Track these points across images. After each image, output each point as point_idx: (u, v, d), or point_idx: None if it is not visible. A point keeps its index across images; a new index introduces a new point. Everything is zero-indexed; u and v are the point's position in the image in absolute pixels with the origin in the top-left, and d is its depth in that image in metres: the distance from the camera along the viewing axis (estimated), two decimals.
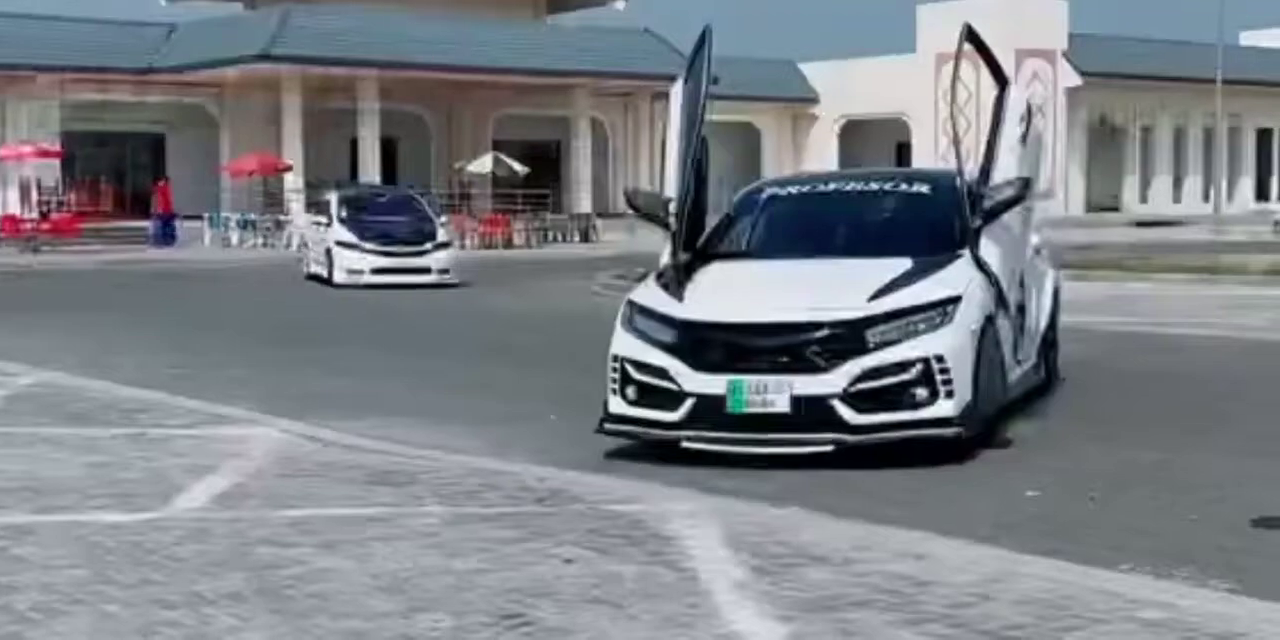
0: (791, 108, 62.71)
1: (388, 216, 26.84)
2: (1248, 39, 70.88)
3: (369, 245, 25.63)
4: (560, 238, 44.33)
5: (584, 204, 50.25)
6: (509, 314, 19.95)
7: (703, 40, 9.45)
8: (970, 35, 9.52)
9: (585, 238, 44.52)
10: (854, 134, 62.38)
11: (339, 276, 25.42)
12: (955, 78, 9.66)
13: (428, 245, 25.85)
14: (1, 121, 44.98)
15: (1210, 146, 60.51)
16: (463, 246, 39.95)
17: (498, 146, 49.09)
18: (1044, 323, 10.74)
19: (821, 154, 61.49)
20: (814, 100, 62.79)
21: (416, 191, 29.04)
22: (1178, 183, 65.53)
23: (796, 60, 63.36)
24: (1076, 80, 59.63)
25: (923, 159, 57.21)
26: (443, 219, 27.76)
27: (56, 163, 43.12)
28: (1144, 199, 64.36)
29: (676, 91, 9.56)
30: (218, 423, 9.42)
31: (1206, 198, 60.30)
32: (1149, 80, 61.16)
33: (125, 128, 48.03)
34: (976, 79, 10.75)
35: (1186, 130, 64.94)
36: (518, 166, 45.27)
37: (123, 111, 46.98)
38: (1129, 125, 64.09)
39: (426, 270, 25.40)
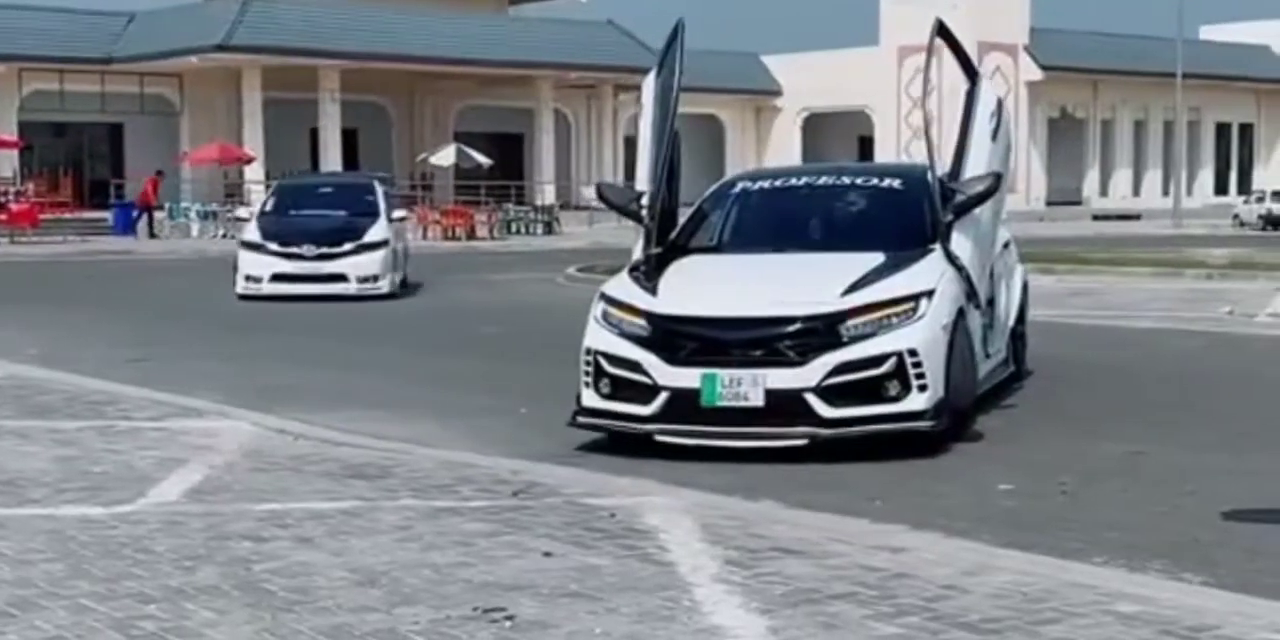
0: (754, 100, 62.84)
1: (320, 211, 21.81)
2: (1207, 33, 71.41)
3: (273, 246, 20.57)
4: (523, 230, 44.28)
5: (547, 196, 50.20)
6: (474, 306, 19.89)
7: (675, 34, 9.46)
8: (941, 30, 9.55)
9: (548, 230, 44.49)
10: (816, 127, 62.55)
11: (238, 285, 20.61)
12: (926, 72, 9.68)
13: (346, 246, 20.54)
14: None
15: (1170, 140, 60.94)
16: (425, 237, 40.01)
17: (460, 138, 49.00)
18: (1013, 316, 10.80)
19: (784, 146, 61.62)
20: (777, 93, 62.92)
21: (381, 181, 24.04)
22: (1138, 176, 66.00)
23: (759, 53, 63.44)
24: (1038, 74, 59.95)
25: (885, 152, 57.47)
26: (399, 213, 23.19)
27: (14, 153, 42.74)
28: (1104, 192, 64.80)
29: (648, 85, 9.55)
30: (185, 415, 9.36)
31: (1166, 191, 60.72)
32: (1109, 75, 61.61)
33: (84, 118, 47.66)
34: (939, 73, 10.78)
35: (1147, 124, 65.42)
36: (481, 158, 45.18)
37: (81, 101, 46.60)
38: (1089, 119, 64.48)
39: (341, 278, 20.41)
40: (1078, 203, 62.58)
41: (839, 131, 61.01)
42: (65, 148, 47.68)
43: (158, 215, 41.85)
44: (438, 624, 4.81)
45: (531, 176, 52.66)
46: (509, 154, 52.56)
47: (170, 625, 4.77)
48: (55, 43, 44.75)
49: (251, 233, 21.19)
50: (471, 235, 40.56)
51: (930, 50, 9.55)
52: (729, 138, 62.11)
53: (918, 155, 54.26)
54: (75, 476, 7.30)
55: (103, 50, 46.10)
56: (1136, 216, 59.52)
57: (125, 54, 46.09)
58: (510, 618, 4.94)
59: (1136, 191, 65.52)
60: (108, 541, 5.90)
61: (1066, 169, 63.20)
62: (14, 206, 36.94)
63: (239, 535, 6.01)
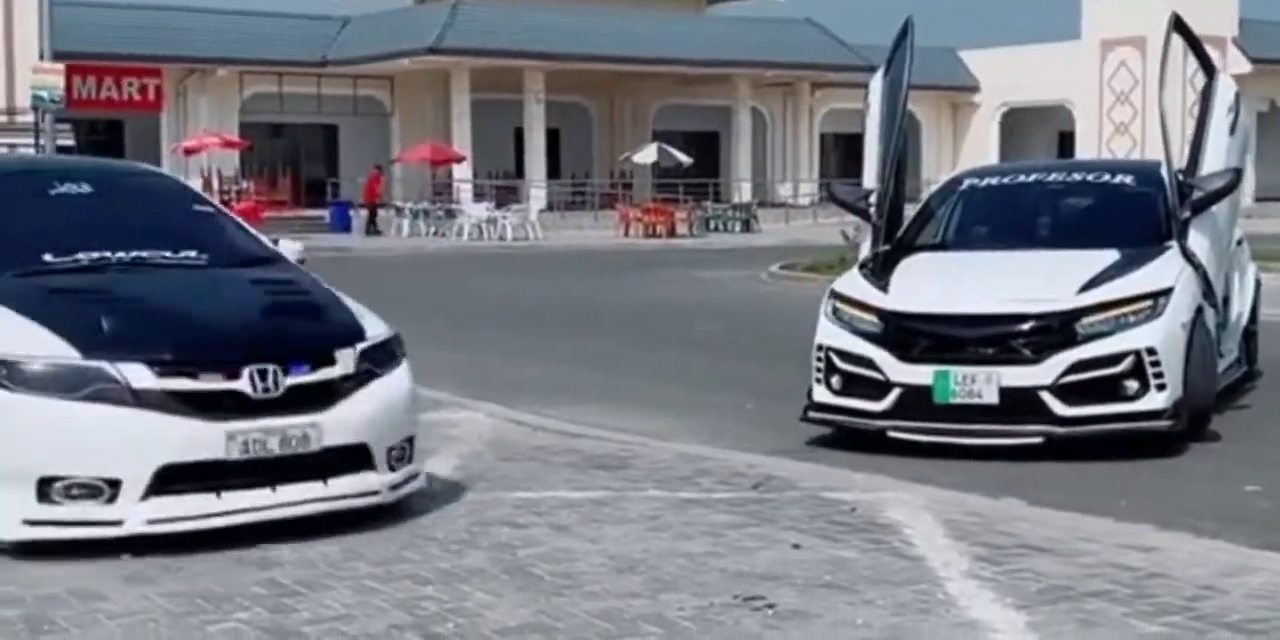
0: (951, 96, 61.98)
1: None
2: None
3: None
4: (721, 227, 44.41)
5: (744, 193, 50.28)
6: (683, 303, 20.06)
7: (904, 32, 9.47)
8: (1178, 25, 9.41)
9: (746, 227, 44.54)
10: (1015, 122, 61.51)
11: None
12: (1164, 67, 9.54)
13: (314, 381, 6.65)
14: (184, 113, 46.29)
15: None
16: (626, 235, 40.40)
17: (658, 136, 49.30)
18: (1245, 315, 10.59)
19: (981, 143, 60.73)
20: (974, 88, 62.05)
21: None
22: None
23: (958, 48, 62.66)
24: (1246, 67, 58.16)
25: (1086, 147, 56.27)
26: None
27: (235, 153, 44.20)
28: None
29: (876, 84, 9.59)
30: (429, 407, 9.65)
31: None
32: None
33: (300, 119, 49.10)
34: (1142, 67, 10.59)
35: None
36: (682, 157, 45.44)
37: (298, 103, 48.05)
38: None
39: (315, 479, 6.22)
40: None
41: (1038, 127, 59.94)
42: (282, 148, 49.20)
43: (380, 213, 42.74)
44: (703, 611, 4.95)
45: (728, 174, 52.76)
46: (706, 152, 52.71)
47: (451, 606, 4.99)
48: (274, 47, 46.18)
49: None
50: (672, 233, 40.83)
51: (1167, 44, 9.41)
52: (925, 134, 61.40)
53: (1119, 151, 53.32)
54: None
55: (318, 54, 47.46)
56: None
57: (340, 57, 47.39)
58: (771, 606, 5.05)
59: None
60: (379, 524, 6.13)
61: (1274, 164, 61.23)
62: (238, 205, 38.16)
63: (499, 521, 6.23)
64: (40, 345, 5.65)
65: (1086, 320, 8.09)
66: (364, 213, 42.57)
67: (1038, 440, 7.98)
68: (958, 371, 8.07)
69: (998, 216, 9.95)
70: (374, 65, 46.56)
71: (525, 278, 25.22)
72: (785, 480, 7.15)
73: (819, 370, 8.57)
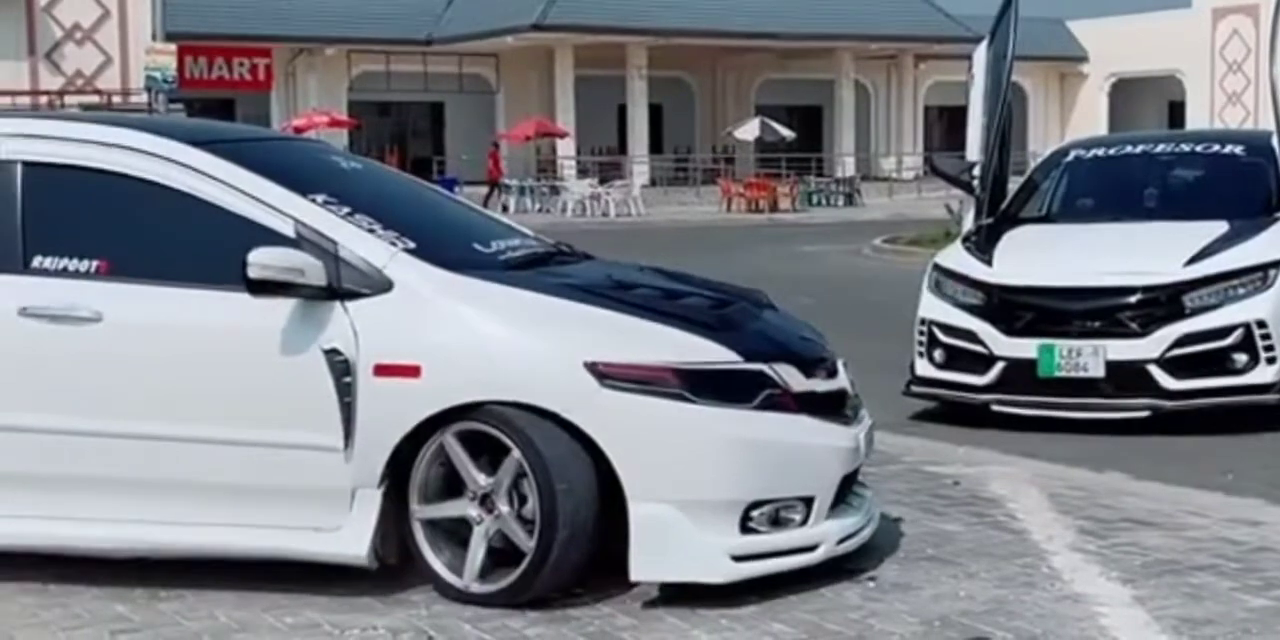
0: (1059, 66, 61.17)
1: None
2: None
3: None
4: (824, 201, 44.21)
5: (847, 168, 49.99)
6: (786, 276, 19.95)
7: (1007, 3, 9.40)
8: None
9: (849, 201, 44.29)
10: (1124, 93, 60.57)
11: None
12: (1275, 35, 9.36)
13: None
14: (293, 92, 46.94)
15: None
16: (729, 210, 40.35)
17: (760, 111, 49.14)
18: None
19: (1089, 113, 59.87)
20: (1083, 59, 61.19)
21: None
22: None
23: (1066, 19, 61.81)
24: None
25: (1197, 118, 55.30)
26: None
27: (344, 132, 44.74)
28: None
29: (979, 55, 9.53)
30: None
31: None
32: None
33: (407, 97, 49.54)
34: (1255, 36, 10.39)
35: None
36: (785, 131, 45.25)
37: (404, 81, 48.46)
38: None
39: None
40: None
41: (1147, 97, 58.98)
42: (390, 126, 49.73)
43: (476, 190, 42.95)
44: (803, 582, 4.94)
45: (831, 148, 52.46)
46: (808, 126, 52.43)
47: None
48: (381, 26, 46.61)
49: None
50: (774, 208, 40.70)
51: (1277, 12, 9.24)
52: (1032, 105, 60.63)
53: (1231, 121, 52.25)
54: None
55: (424, 32, 47.84)
56: None
57: (445, 35, 47.72)
58: (873, 579, 5.08)
59: None
60: None
61: None
62: None
63: None
64: (698, 350, 4.83)
65: (1195, 293, 8.01)
66: (484, 190, 42.79)
67: (1144, 414, 7.91)
68: (1063, 345, 8.02)
69: (1104, 188, 9.83)
70: (479, 43, 46.80)
71: (629, 253, 25.03)
72: (887, 454, 7.13)
73: (921, 344, 8.56)
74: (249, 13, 44.49)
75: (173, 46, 30.47)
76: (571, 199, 40.00)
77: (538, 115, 45.94)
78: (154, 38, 30.67)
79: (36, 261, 5.02)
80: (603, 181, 41.71)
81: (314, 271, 4.74)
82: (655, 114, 49.35)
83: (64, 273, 4.99)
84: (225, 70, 45.37)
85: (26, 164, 5.14)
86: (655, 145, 49.30)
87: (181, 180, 5.00)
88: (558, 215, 39.38)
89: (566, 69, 46.84)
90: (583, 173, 44.79)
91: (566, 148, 46.06)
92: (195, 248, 5.01)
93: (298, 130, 42.19)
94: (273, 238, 4.84)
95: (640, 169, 46.47)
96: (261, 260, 4.67)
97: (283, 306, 4.77)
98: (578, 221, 37.20)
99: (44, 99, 29.79)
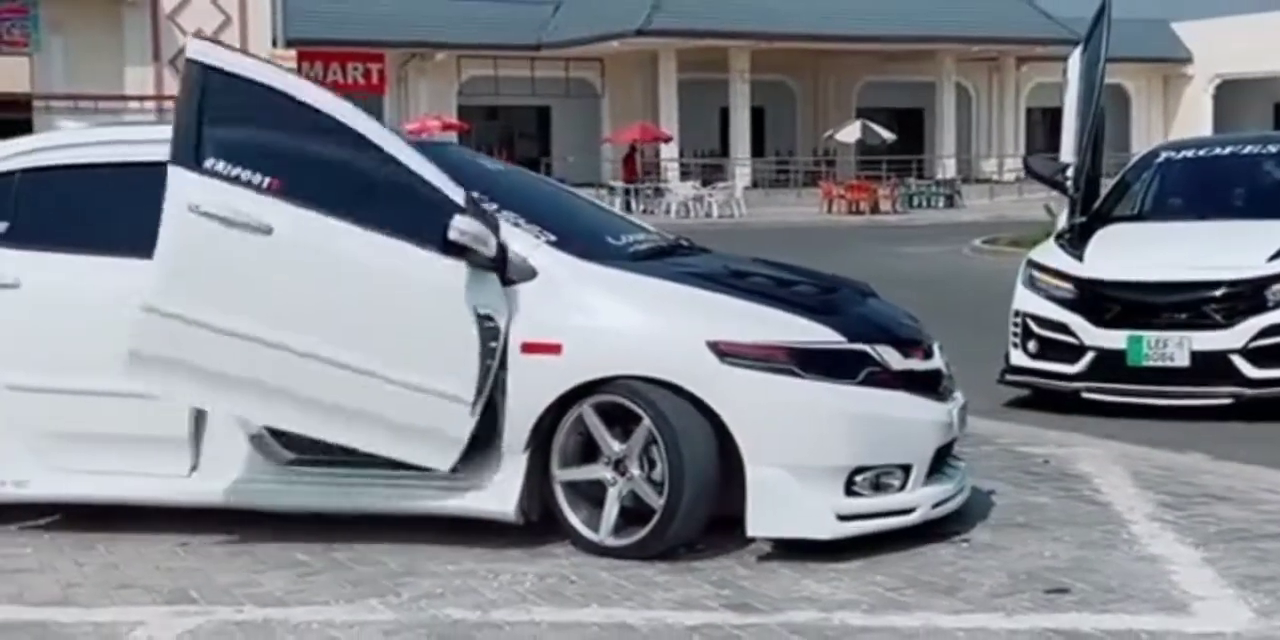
0: (1162, 68, 60.73)
1: None
2: None
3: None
4: (925, 203, 44.43)
5: (948, 170, 50.13)
6: (888, 275, 20.27)
7: (1102, 9, 9.82)
8: None
9: (950, 203, 44.49)
10: (1229, 95, 60.00)
11: None
12: None
13: None
14: (405, 96, 48.03)
15: None
16: (830, 212, 40.72)
17: (861, 113, 49.41)
18: None
19: (1193, 115, 59.38)
20: (1187, 60, 60.72)
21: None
22: None
23: (1170, 20, 61.35)
24: None
25: None
26: None
27: (454, 135, 45.63)
28: None
29: (1074, 59, 9.97)
30: None
31: None
32: None
33: (515, 101, 50.44)
34: None
35: None
36: (886, 134, 45.51)
37: (513, 85, 49.38)
38: None
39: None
40: None
41: (1254, 99, 58.39)
42: (498, 130, 50.57)
43: (595, 191, 43.61)
44: (904, 543, 5.48)
45: (932, 150, 52.58)
46: (909, 128, 52.56)
47: None
48: (490, 31, 47.53)
49: None
50: (875, 209, 41.03)
51: None
52: (1135, 107, 60.32)
53: None
54: None
55: (532, 37, 48.72)
56: None
57: (552, 40, 48.57)
58: (966, 541, 5.61)
59: None
60: None
61: None
62: None
63: None
64: (807, 331, 5.41)
65: (1277, 287, 8.43)
66: (591, 191, 43.50)
67: (1227, 401, 8.36)
68: (1150, 336, 8.49)
69: (1192, 188, 10.24)
70: (585, 48, 47.56)
71: (734, 251, 25.50)
72: (982, 436, 7.61)
73: (1016, 335, 9.06)
74: (362, 18, 45.56)
75: (292, 52, 31.38)
76: (675, 201, 40.56)
77: (642, 119, 46.59)
78: (274, 44, 31.59)
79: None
80: (705, 183, 42.24)
81: (492, 245, 5.31)
82: (757, 117, 49.77)
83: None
84: (340, 74, 46.39)
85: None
86: (757, 148, 49.76)
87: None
88: (661, 217, 39.90)
89: (670, 73, 47.44)
90: (686, 175, 45.34)
91: (671, 151, 46.66)
92: (385, 200, 5.38)
93: (412, 133, 43.23)
94: (454, 210, 5.30)
95: (742, 171, 46.92)
96: (461, 226, 5.22)
97: (458, 268, 5.30)
98: (682, 222, 37.68)
99: (170, 103, 30.74)
